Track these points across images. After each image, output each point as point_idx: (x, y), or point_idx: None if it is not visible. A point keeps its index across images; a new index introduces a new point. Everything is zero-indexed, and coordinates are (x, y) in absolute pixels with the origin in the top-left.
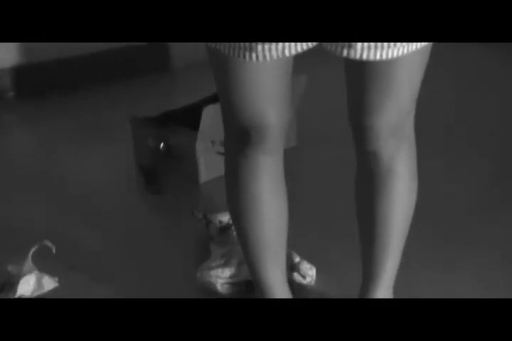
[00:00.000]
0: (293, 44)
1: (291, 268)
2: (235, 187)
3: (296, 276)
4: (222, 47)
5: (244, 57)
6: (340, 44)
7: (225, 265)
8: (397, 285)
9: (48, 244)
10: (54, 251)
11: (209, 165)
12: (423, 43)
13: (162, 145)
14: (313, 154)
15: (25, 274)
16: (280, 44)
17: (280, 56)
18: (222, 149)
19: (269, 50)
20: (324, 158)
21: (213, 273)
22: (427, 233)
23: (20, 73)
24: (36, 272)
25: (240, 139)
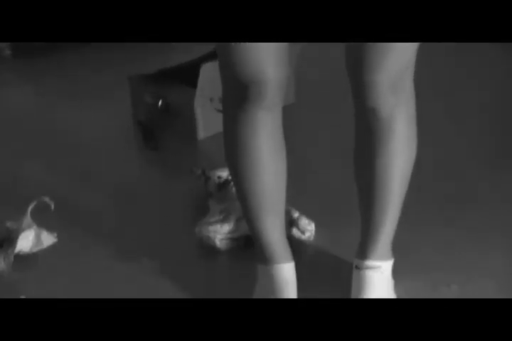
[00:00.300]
0: None
1: (290, 223)
2: (233, 143)
3: (295, 232)
4: None
5: None
6: None
7: (223, 220)
8: (394, 243)
9: (47, 200)
10: (52, 207)
11: (207, 121)
12: None
13: (160, 102)
14: (312, 111)
15: (24, 230)
16: None
17: None
18: (220, 106)
19: None
20: (323, 115)
21: (212, 228)
22: (426, 190)
23: None
24: (35, 227)
25: (239, 95)
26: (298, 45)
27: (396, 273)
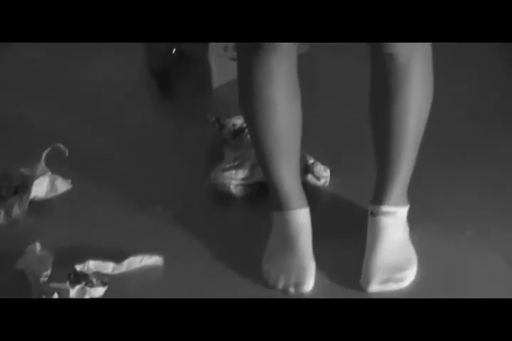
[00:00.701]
0: None
1: (305, 169)
2: (248, 91)
3: (310, 178)
4: None
5: None
6: None
7: (238, 167)
8: (410, 189)
9: (61, 146)
10: (67, 153)
11: (222, 69)
12: None
13: (174, 50)
14: (326, 59)
15: (38, 176)
16: None
17: None
18: (234, 55)
19: None
20: (337, 63)
21: (227, 174)
22: (443, 135)
23: None
24: (49, 174)
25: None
26: None
27: (411, 219)
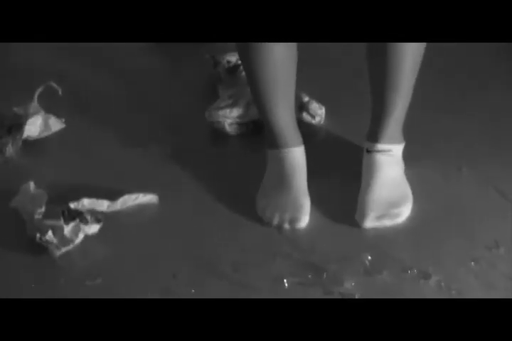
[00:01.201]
0: None
1: (300, 107)
2: None
3: (305, 116)
4: None
5: None
6: None
7: (233, 105)
8: (405, 128)
9: (54, 85)
10: (60, 92)
11: None
12: None
13: None
14: None
15: (31, 115)
16: None
17: None
18: None
19: None
20: None
21: (221, 113)
22: (438, 75)
23: None
24: (42, 113)
25: None
26: None
27: (408, 158)
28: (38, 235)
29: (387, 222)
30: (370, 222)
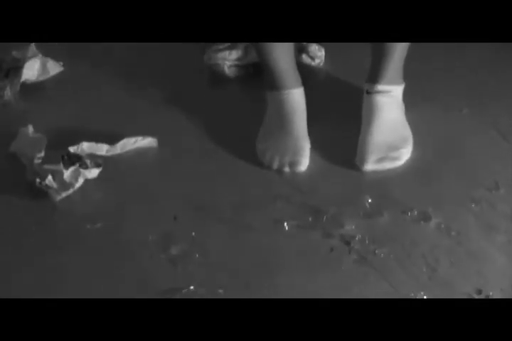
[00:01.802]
0: None
1: (300, 49)
2: None
3: (305, 58)
4: None
5: None
6: None
7: (231, 48)
8: (405, 70)
9: None
10: None
11: None
12: None
13: None
14: None
15: (29, 59)
16: None
17: None
18: None
19: None
20: None
21: (220, 55)
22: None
23: None
24: (40, 56)
25: None
26: None
27: (409, 101)
28: (37, 180)
29: (387, 165)
30: (370, 165)
